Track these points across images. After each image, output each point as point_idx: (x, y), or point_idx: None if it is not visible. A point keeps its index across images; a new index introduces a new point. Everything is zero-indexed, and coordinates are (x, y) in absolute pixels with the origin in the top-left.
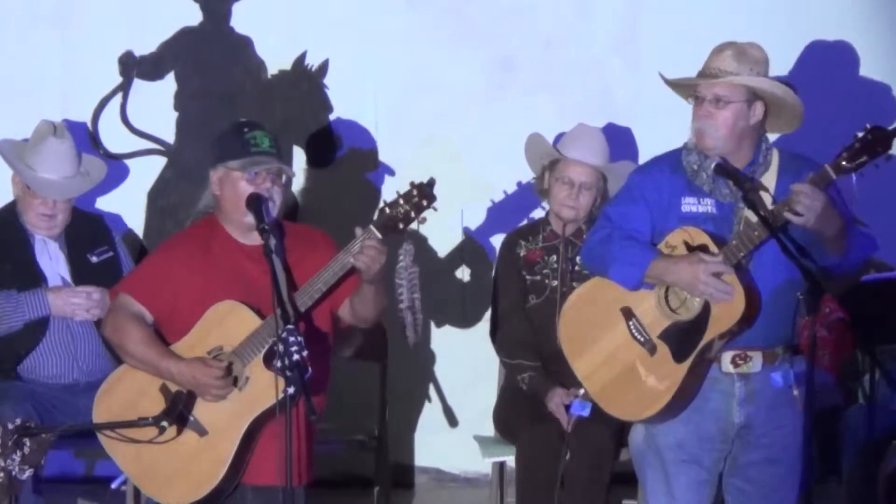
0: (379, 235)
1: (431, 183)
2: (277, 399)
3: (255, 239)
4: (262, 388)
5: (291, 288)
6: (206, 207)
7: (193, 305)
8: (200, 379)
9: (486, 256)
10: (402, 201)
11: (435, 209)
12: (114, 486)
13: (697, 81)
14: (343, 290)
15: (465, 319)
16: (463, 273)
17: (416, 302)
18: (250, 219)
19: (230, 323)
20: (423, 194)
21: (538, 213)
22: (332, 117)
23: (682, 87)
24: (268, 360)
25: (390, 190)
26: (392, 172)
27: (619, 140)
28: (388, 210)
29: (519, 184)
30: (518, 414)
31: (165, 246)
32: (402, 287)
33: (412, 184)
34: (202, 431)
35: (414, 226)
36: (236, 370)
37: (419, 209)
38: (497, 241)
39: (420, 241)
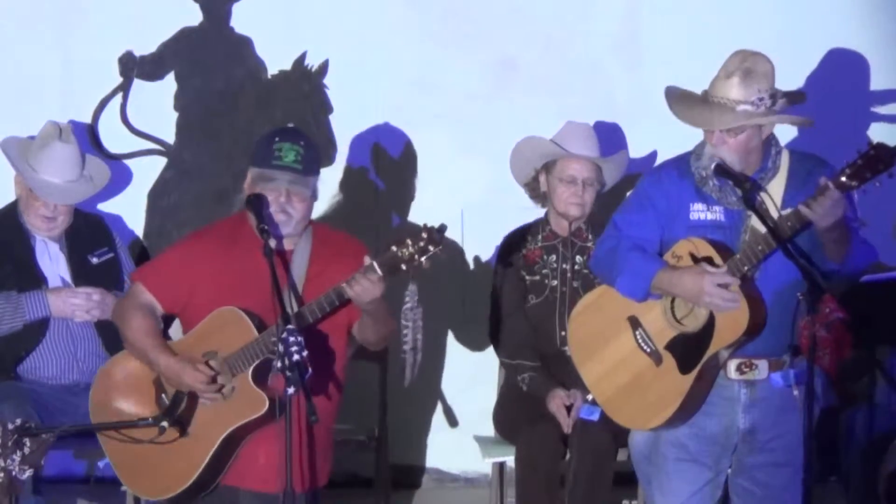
0: (379, 273)
1: (442, 229)
2: (277, 403)
3: (274, 242)
4: (245, 401)
5: (294, 293)
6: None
7: (210, 302)
8: (185, 380)
9: (486, 257)
10: (409, 241)
11: (440, 255)
12: (100, 465)
13: (707, 124)
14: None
15: (465, 320)
16: (463, 273)
17: (419, 343)
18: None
19: (229, 330)
20: (431, 239)
21: (538, 213)
22: (332, 117)
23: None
24: (256, 375)
25: (389, 190)
26: (392, 173)
27: (609, 136)
28: (393, 248)
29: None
30: (518, 414)
31: (190, 239)
32: (408, 329)
33: (424, 226)
34: (183, 432)
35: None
36: (224, 379)
37: (423, 252)
38: (497, 240)
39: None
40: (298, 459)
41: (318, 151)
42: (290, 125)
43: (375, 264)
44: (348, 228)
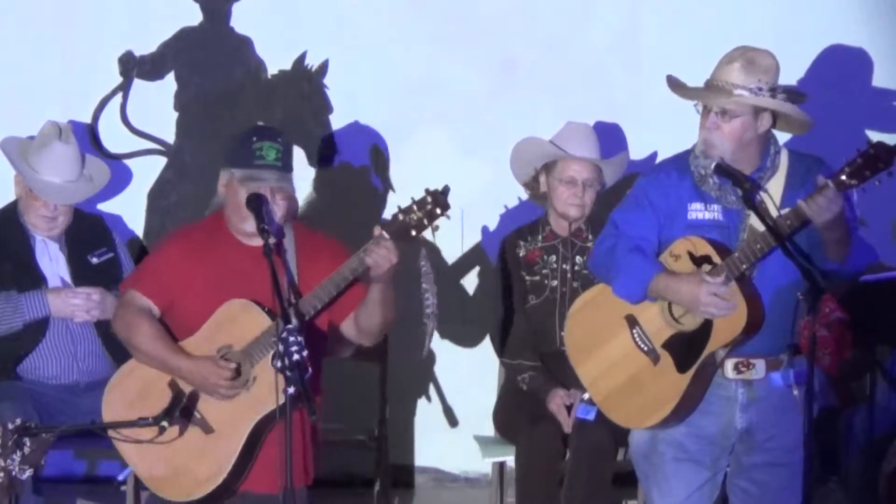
0: (388, 240)
1: (446, 191)
2: (277, 400)
3: (257, 240)
4: (270, 389)
5: (293, 290)
6: (220, 204)
7: (194, 302)
8: (210, 378)
9: (486, 257)
10: (415, 208)
11: (448, 217)
12: (120, 478)
13: (703, 99)
14: (346, 303)
15: (465, 320)
16: (462, 273)
17: (435, 307)
18: (249, 226)
19: (241, 322)
20: (437, 202)
21: (538, 212)
22: (332, 117)
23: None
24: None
25: (389, 190)
26: (391, 173)
27: (609, 137)
28: (400, 216)
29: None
30: (518, 414)
31: (170, 240)
32: (428, 292)
33: (427, 191)
34: (208, 429)
35: (427, 234)
36: (244, 370)
37: (432, 217)
38: (497, 240)
39: (418, 241)
40: (301, 458)
41: (292, 147)
42: (261, 123)
43: (385, 233)
44: (348, 228)
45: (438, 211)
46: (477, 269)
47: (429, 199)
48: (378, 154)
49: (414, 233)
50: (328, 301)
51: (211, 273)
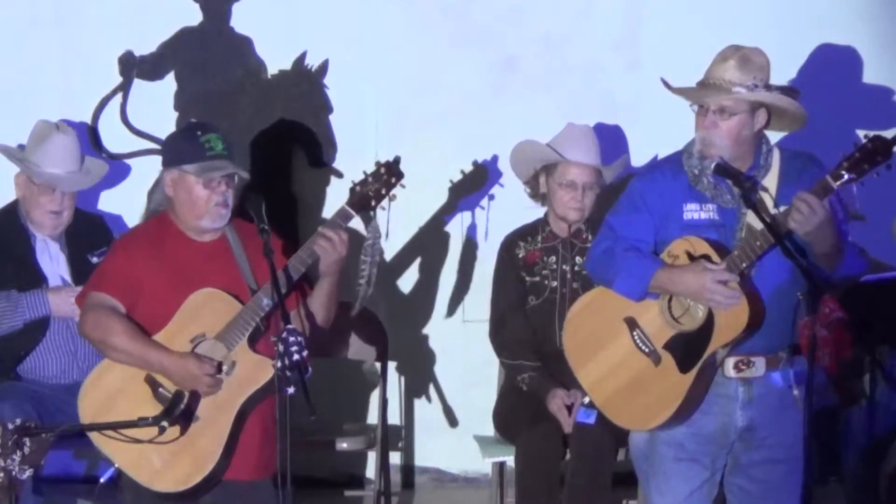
0: (353, 214)
1: (398, 160)
2: (279, 366)
3: (207, 237)
4: (250, 370)
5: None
6: (158, 206)
7: (154, 299)
8: (194, 372)
9: (485, 256)
10: (371, 179)
11: (403, 186)
12: (103, 480)
13: (702, 98)
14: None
15: (465, 320)
16: (462, 273)
17: (373, 277)
18: (205, 223)
19: (210, 310)
20: (391, 172)
21: (537, 212)
22: (332, 117)
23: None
24: (252, 343)
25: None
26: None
27: (610, 138)
28: (358, 189)
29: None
30: (518, 414)
31: (121, 243)
32: (366, 263)
33: (378, 163)
34: (194, 418)
35: (385, 203)
36: (221, 355)
37: (389, 186)
38: (496, 240)
39: (419, 241)
40: (268, 449)
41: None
42: (193, 120)
43: (347, 207)
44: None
45: (393, 180)
46: (476, 268)
47: (382, 170)
48: (378, 154)
49: (374, 202)
50: (286, 292)
51: (167, 269)
